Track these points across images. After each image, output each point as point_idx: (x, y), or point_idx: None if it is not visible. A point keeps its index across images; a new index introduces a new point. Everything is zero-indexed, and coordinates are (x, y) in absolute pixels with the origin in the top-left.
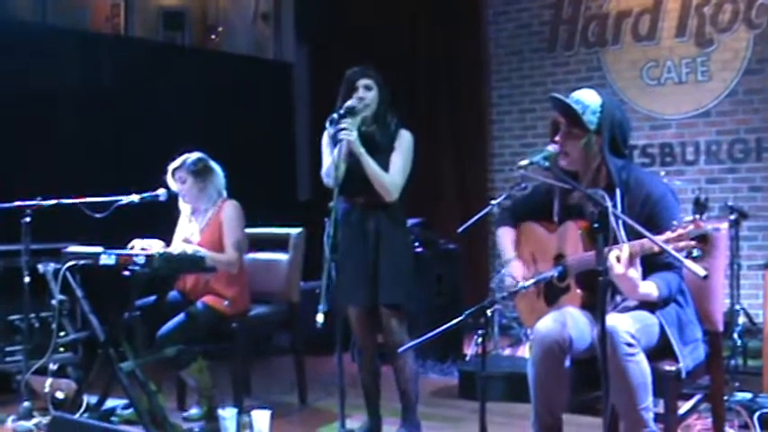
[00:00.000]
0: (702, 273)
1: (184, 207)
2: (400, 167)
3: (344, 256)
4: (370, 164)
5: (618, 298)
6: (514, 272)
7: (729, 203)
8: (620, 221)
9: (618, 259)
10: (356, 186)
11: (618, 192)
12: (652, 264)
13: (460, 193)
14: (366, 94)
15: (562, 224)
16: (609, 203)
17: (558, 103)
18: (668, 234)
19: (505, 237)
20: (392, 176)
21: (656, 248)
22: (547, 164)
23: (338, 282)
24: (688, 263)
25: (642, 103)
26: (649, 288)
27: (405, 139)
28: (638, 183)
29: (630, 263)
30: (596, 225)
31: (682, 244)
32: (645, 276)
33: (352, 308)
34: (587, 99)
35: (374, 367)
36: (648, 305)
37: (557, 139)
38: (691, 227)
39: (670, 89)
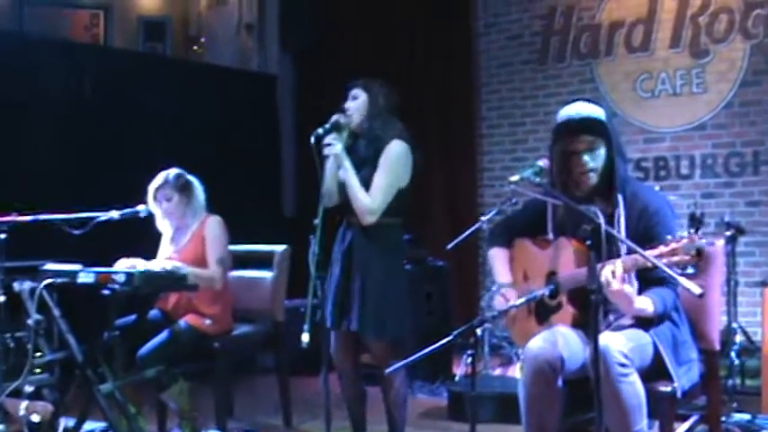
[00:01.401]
0: (698, 291)
1: (165, 227)
2: (381, 187)
3: (331, 278)
4: (350, 181)
5: (611, 316)
6: (507, 294)
7: (726, 219)
8: (622, 233)
9: (613, 274)
10: (345, 199)
11: (620, 200)
12: (647, 279)
13: (450, 209)
14: (351, 104)
15: (555, 241)
16: (602, 220)
17: (578, 120)
18: (661, 248)
19: (498, 258)
20: (371, 198)
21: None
22: (538, 179)
23: (326, 302)
24: (683, 281)
25: (636, 116)
26: (645, 303)
27: (391, 153)
28: (636, 195)
29: (625, 276)
30: (589, 242)
31: (676, 258)
32: (640, 291)
33: (336, 330)
34: (594, 111)
35: (357, 391)
36: (642, 323)
37: (585, 159)
38: (685, 241)
39: (664, 101)
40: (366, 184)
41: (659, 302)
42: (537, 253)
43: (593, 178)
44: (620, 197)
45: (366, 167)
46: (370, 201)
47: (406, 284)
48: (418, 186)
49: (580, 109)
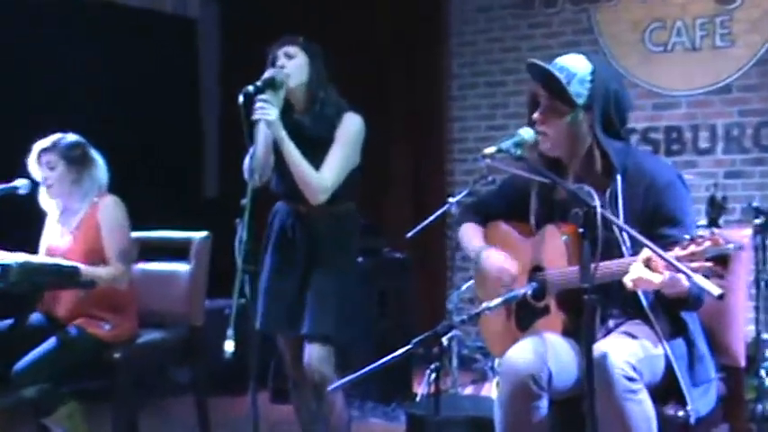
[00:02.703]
0: (717, 291)
1: (50, 205)
2: (336, 163)
3: (271, 272)
4: (292, 153)
5: (611, 322)
6: (493, 257)
7: (754, 204)
8: (625, 218)
9: (648, 262)
10: (290, 184)
11: (619, 180)
12: None
13: (411, 189)
14: (287, 63)
15: (541, 228)
16: (597, 201)
17: (537, 70)
18: (677, 251)
19: (471, 231)
20: (321, 174)
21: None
22: (519, 152)
23: (262, 301)
24: (698, 278)
25: (644, 75)
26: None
27: (348, 127)
28: (639, 169)
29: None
30: (582, 230)
31: (694, 265)
32: None
33: (280, 334)
34: (574, 66)
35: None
36: (670, 312)
37: (535, 116)
38: (707, 243)
39: (680, 57)
40: (316, 167)
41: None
42: (518, 241)
43: (548, 146)
44: (618, 179)
45: (314, 148)
46: (319, 176)
47: (360, 279)
48: (373, 161)
49: (560, 60)
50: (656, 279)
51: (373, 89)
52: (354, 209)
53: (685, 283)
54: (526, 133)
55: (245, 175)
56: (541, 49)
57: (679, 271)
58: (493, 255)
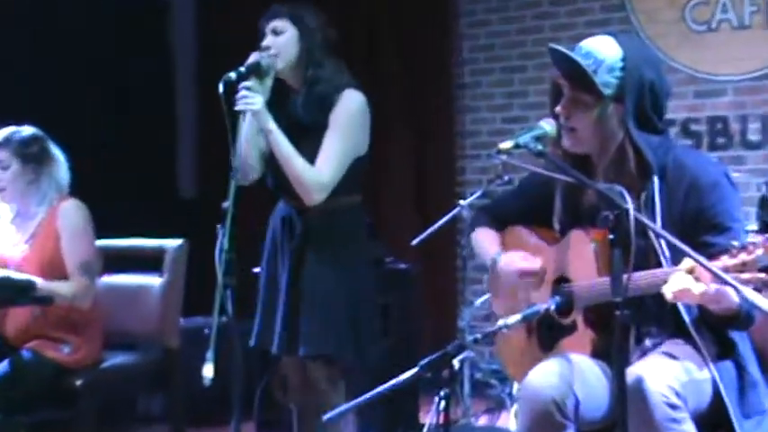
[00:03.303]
0: None
1: (2, 210)
2: (334, 153)
3: (266, 281)
4: (282, 147)
5: (647, 341)
6: (511, 259)
7: None
8: (663, 224)
9: (692, 272)
10: (285, 179)
11: (656, 180)
12: None
13: (416, 190)
14: (274, 41)
15: (566, 234)
16: (630, 204)
17: (559, 56)
18: (725, 260)
19: (486, 237)
20: (317, 168)
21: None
22: (540, 147)
23: (257, 315)
24: (749, 292)
25: (684, 58)
26: (726, 292)
27: (345, 107)
28: (680, 167)
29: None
30: (612, 235)
31: (745, 276)
32: None
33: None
34: (602, 51)
35: None
36: (718, 333)
37: (557, 109)
38: (759, 252)
39: (726, 37)
40: (312, 160)
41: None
42: (540, 248)
43: (573, 142)
44: (655, 180)
45: (309, 137)
46: (316, 172)
47: (372, 287)
48: (374, 158)
49: (586, 44)
50: (699, 290)
51: (367, 75)
52: (358, 204)
53: (734, 298)
54: (548, 125)
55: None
56: (566, 28)
57: (727, 283)
58: (510, 256)
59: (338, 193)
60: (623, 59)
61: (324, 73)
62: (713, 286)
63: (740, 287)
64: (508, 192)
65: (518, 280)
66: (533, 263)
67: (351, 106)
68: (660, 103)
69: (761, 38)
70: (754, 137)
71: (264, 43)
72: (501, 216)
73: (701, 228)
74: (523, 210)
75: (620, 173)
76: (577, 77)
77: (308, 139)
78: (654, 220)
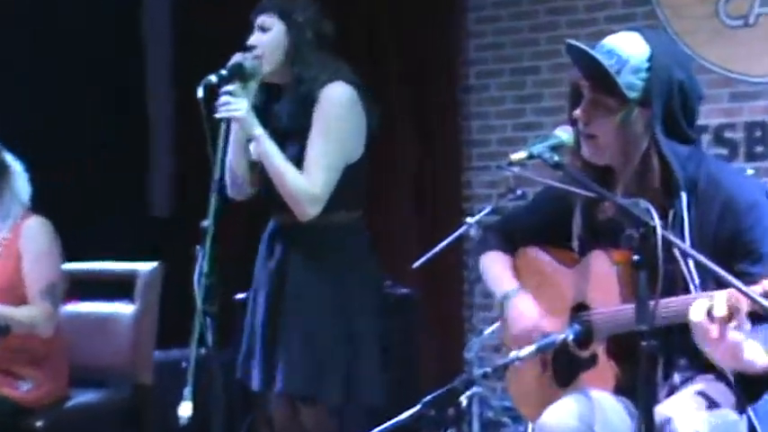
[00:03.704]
0: None
1: None
2: (322, 158)
3: (252, 307)
4: (270, 155)
5: (676, 377)
6: (521, 307)
7: None
8: (692, 248)
9: (710, 314)
10: (276, 194)
11: (684, 197)
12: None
13: (417, 206)
14: (260, 39)
15: (586, 255)
16: (657, 221)
17: (579, 54)
18: (765, 284)
19: (497, 263)
20: (307, 177)
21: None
22: (556, 157)
23: (242, 346)
24: None
25: (717, 57)
26: (754, 352)
27: (328, 102)
28: (713, 182)
29: (731, 321)
30: (637, 257)
31: None
32: None
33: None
34: (627, 49)
35: None
36: (740, 385)
37: (576, 113)
38: None
39: (764, 33)
40: (300, 164)
41: None
42: (556, 272)
43: (593, 151)
44: (683, 197)
45: (296, 139)
46: (307, 182)
47: (372, 318)
48: (371, 169)
49: (609, 41)
50: (711, 333)
51: (363, 77)
52: (358, 220)
53: (760, 359)
54: (565, 134)
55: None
56: (584, 25)
57: (757, 305)
58: (523, 304)
59: (332, 206)
60: (650, 58)
61: (310, 71)
62: (733, 335)
63: None
64: (520, 208)
65: (528, 332)
66: (548, 325)
67: (334, 101)
68: (691, 108)
69: None
70: None
71: (250, 41)
72: (513, 236)
73: (735, 254)
74: (538, 228)
75: (645, 187)
76: (598, 78)
77: (293, 147)
78: (685, 245)
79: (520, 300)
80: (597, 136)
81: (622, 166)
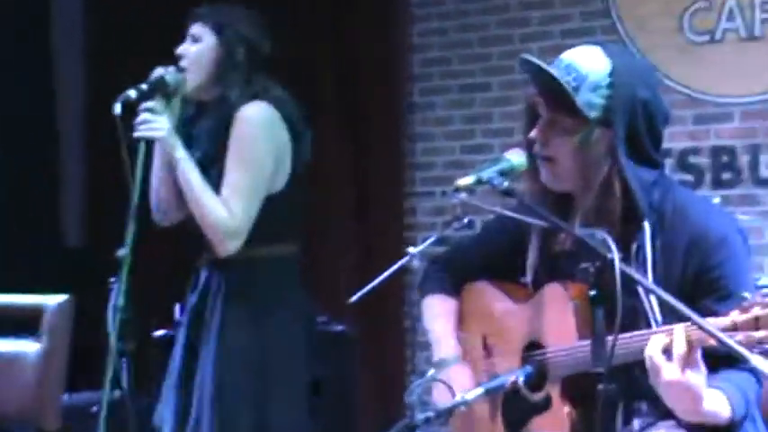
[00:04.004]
0: None
1: None
2: (241, 185)
3: (177, 348)
4: (190, 179)
5: (636, 423)
6: (455, 379)
7: None
8: (655, 284)
9: (666, 351)
10: (195, 223)
11: (647, 228)
12: (709, 354)
13: (355, 235)
14: (188, 50)
15: (541, 288)
16: (615, 253)
17: (533, 69)
18: (734, 316)
19: (439, 314)
20: (225, 207)
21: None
22: (507, 183)
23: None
24: (759, 362)
25: (681, 76)
26: (716, 403)
27: (244, 123)
28: (681, 213)
29: (690, 358)
30: (593, 292)
31: (760, 334)
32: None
33: None
34: (587, 64)
35: None
36: None
37: (532, 134)
38: None
39: (733, 50)
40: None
41: (738, 401)
42: (508, 308)
43: (552, 176)
44: (645, 226)
45: (215, 165)
46: (226, 212)
47: (303, 359)
48: (303, 198)
49: (567, 56)
50: (668, 373)
51: (296, 97)
52: (289, 255)
53: (720, 407)
54: (516, 157)
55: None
56: (539, 38)
57: (722, 345)
58: (457, 376)
59: (257, 240)
60: (611, 74)
61: (234, 91)
62: (692, 376)
63: (749, 355)
64: (469, 238)
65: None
66: (464, 385)
67: (249, 122)
68: (657, 129)
69: None
70: (767, 172)
71: (179, 50)
72: (461, 269)
73: (701, 290)
74: (488, 261)
75: (605, 215)
76: (555, 96)
77: (213, 173)
78: (643, 274)
79: (455, 371)
80: (555, 159)
81: (582, 191)
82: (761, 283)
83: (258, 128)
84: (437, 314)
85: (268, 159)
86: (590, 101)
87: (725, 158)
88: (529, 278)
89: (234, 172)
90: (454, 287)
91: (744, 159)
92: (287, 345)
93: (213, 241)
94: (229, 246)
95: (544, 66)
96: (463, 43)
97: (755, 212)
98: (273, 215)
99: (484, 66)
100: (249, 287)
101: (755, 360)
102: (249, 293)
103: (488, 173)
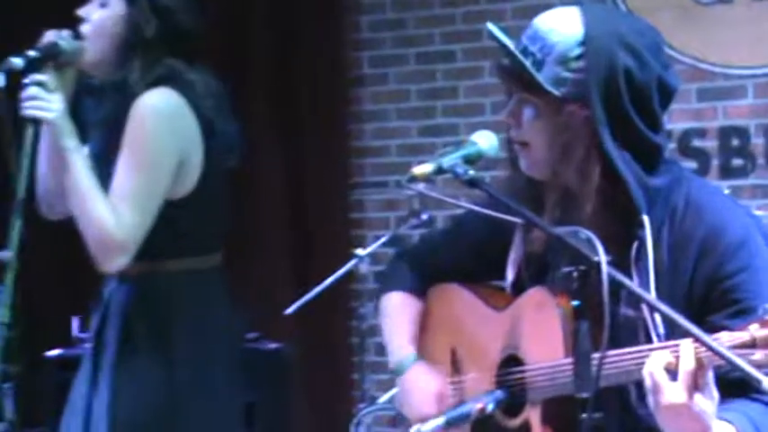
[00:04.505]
0: None
1: None
2: (127, 188)
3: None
4: (76, 177)
5: None
6: (416, 385)
7: None
8: (658, 293)
9: (670, 370)
10: None
11: (646, 223)
12: (723, 379)
13: (292, 235)
14: (90, 14)
15: (522, 294)
16: (602, 255)
17: (498, 42)
18: (754, 329)
19: (398, 313)
20: (113, 215)
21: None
22: (473, 172)
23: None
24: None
25: (684, 44)
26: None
27: (141, 116)
28: (694, 208)
29: (699, 379)
30: (577, 302)
31: None
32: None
33: None
34: (557, 30)
35: None
36: None
37: (504, 117)
38: None
39: (745, 12)
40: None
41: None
42: (483, 316)
43: (528, 162)
44: (645, 222)
45: (105, 163)
46: (114, 221)
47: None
48: (224, 201)
49: (540, 22)
50: (672, 395)
51: (236, 78)
52: (208, 269)
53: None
54: (485, 140)
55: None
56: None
57: (729, 363)
58: (419, 378)
59: (164, 251)
60: (584, 40)
61: (134, 73)
62: (701, 402)
63: (762, 377)
64: (440, 232)
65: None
66: (470, 384)
67: (148, 114)
68: (650, 105)
69: None
70: None
71: (80, 11)
72: (428, 267)
73: (711, 303)
74: (462, 259)
75: (600, 212)
76: (518, 73)
77: (103, 172)
78: (646, 287)
79: (415, 372)
80: (530, 144)
81: (561, 182)
82: None
83: (158, 120)
84: (398, 313)
85: (168, 159)
86: (558, 75)
87: (736, 141)
88: (509, 278)
89: (125, 173)
90: (420, 287)
91: (758, 144)
92: (201, 375)
93: (96, 254)
94: (114, 261)
95: (502, 38)
96: (421, 2)
97: None
98: (181, 223)
99: (446, 30)
100: (153, 306)
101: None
102: (153, 313)
103: (451, 159)
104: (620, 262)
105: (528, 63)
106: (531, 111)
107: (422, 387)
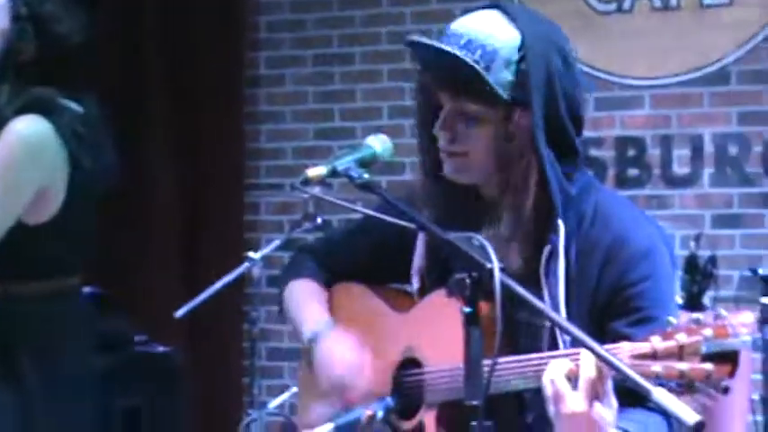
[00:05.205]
0: (692, 418)
1: None
2: None
3: None
4: None
5: None
6: (336, 351)
7: (761, 270)
8: (567, 299)
9: (570, 378)
10: None
11: (561, 228)
12: (621, 390)
13: (181, 236)
14: None
15: (426, 296)
16: (495, 262)
17: (428, 53)
18: (655, 341)
19: (307, 290)
20: None
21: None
22: (366, 176)
23: None
24: (662, 396)
25: (581, 52)
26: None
27: (6, 143)
28: (602, 216)
29: (599, 388)
30: (468, 309)
31: (682, 366)
32: None
33: None
34: (492, 35)
35: None
36: None
37: (436, 131)
38: (708, 331)
39: (644, 23)
40: None
41: None
42: (384, 316)
43: (459, 168)
44: (559, 221)
45: None
46: None
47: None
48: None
49: (463, 26)
50: (573, 403)
51: (125, 69)
52: (69, 292)
53: None
54: (379, 143)
55: None
56: (412, 2)
57: (619, 373)
58: (338, 346)
59: (15, 275)
60: (522, 45)
61: (14, 84)
62: (600, 410)
63: (650, 386)
64: (345, 230)
65: (342, 376)
66: (369, 369)
67: (12, 138)
68: (577, 109)
69: (693, 26)
70: (681, 169)
71: None
72: (333, 264)
73: (614, 310)
74: (367, 259)
75: (518, 214)
76: (457, 81)
77: None
78: (553, 292)
79: (334, 339)
80: (468, 153)
81: (495, 186)
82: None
83: (22, 149)
84: (308, 294)
85: (26, 188)
86: (505, 80)
87: (631, 152)
88: (415, 285)
89: None
90: (325, 279)
91: (653, 154)
92: (53, 397)
93: None
94: None
95: (444, 47)
96: (320, 3)
97: (667, 217)
98: (36, 248)
99: (344, 31)
100: (1, 330)
101: (658, 394)
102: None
103: (345, 162)
104: (532, 265)
105: (481, 69)
106: (472, 120)
107: (340, 354)
